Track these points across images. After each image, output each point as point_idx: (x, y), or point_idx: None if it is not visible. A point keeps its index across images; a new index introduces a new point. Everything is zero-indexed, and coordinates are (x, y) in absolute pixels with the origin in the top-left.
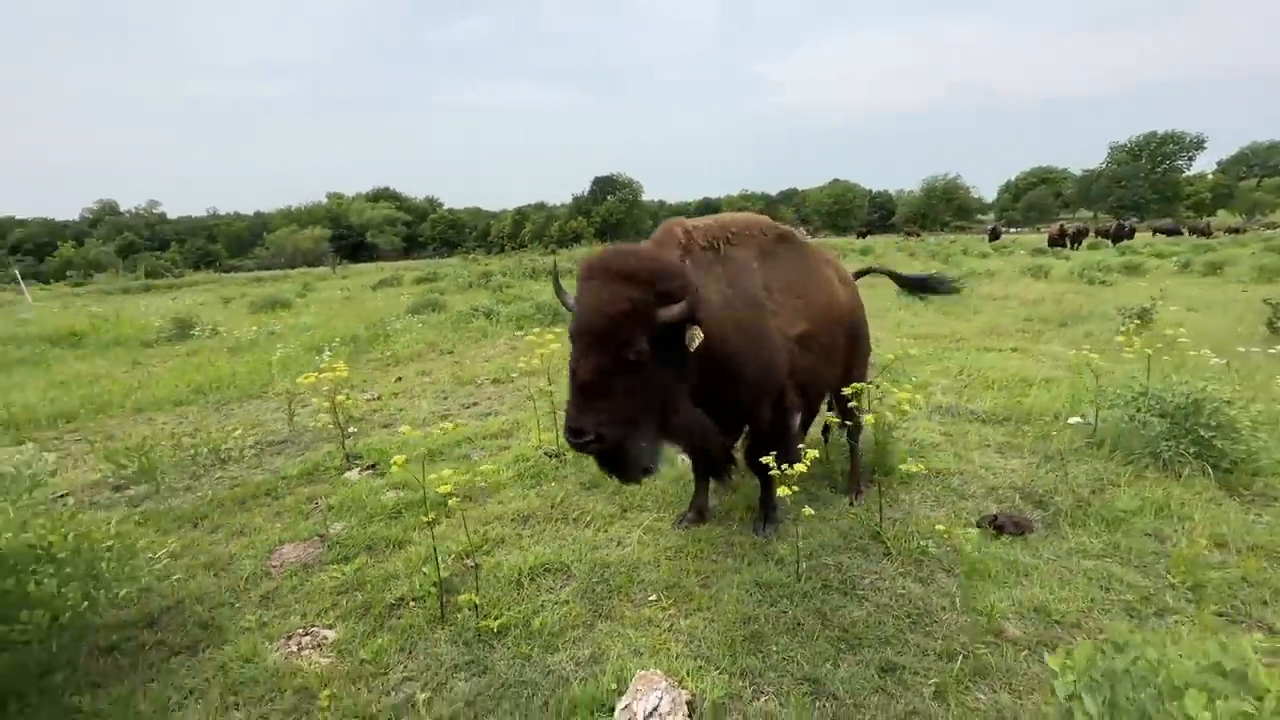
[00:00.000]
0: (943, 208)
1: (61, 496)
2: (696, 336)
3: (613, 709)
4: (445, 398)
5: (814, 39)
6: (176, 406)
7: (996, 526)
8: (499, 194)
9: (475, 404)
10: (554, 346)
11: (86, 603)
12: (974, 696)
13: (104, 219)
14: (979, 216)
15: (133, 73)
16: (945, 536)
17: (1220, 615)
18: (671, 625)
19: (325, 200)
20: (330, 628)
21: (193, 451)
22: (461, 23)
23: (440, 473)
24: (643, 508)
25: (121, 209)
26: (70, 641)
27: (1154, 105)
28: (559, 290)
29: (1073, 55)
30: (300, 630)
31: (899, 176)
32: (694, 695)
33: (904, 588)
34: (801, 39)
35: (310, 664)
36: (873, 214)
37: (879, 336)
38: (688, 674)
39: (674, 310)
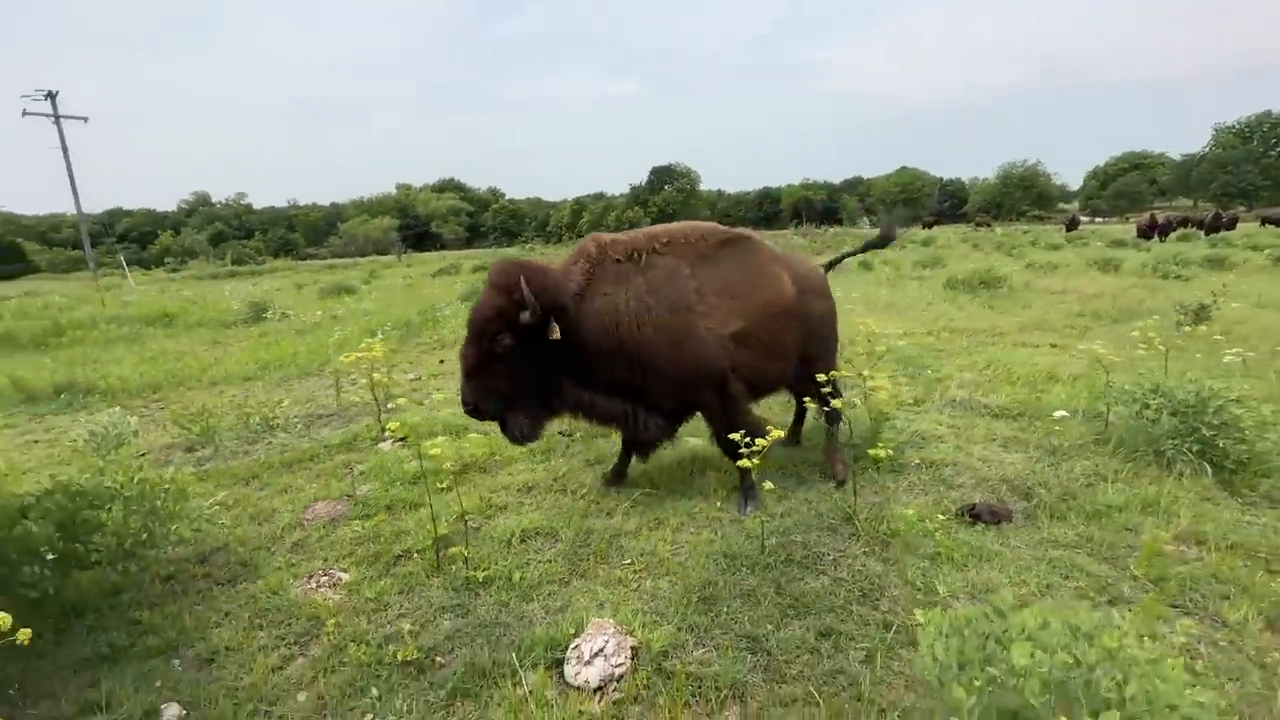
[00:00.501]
0: (1020, 196)
1: (142, 455)
2: (553, 332)
3: (567, 647)
4: None
5: (883, 19)
6: (244, 381)
7: (973, 515)
8: (560, 184)
9: None
10: None
11: (146, 534)
12: (900, 661)
13: (198, 209)
14: (1061, 205)
15: (223, 72)
16: (914, 521)
17: (1175, 606)
18: (638, 586)
19: (394, 191)
20: (345, 571)
21: (246, 420)
22: (525, 17)
23: (436, 441)
24: (637, 484)
25: (213, 200)
26: (137, 570)
27: (1271, 84)
28: None
29: (1178, 30)
30: (320, 571)
31: (975, 163)
32: (640, 642)
33: (864, 565)
34: (869, 20)
35: (324, 599)
36: (943, 202)
37: (911, 329)
38: (640, 625)
39: (526, 315)
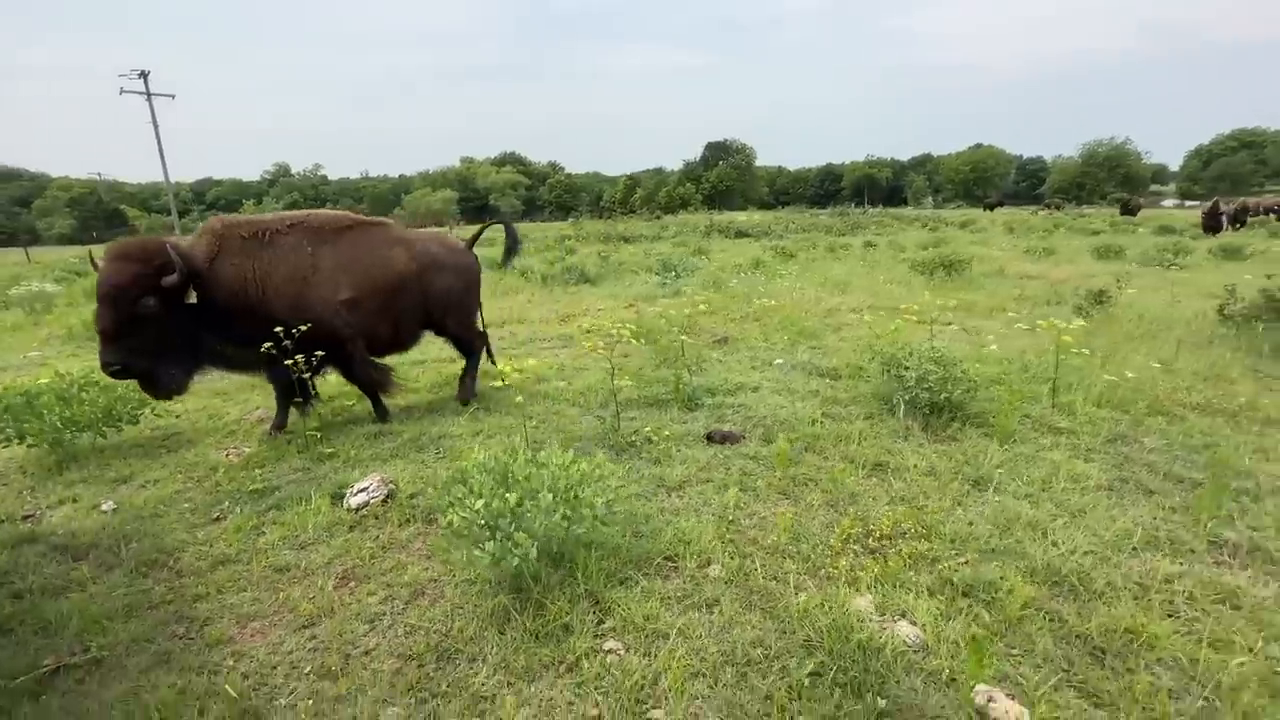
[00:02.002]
0: (1104, 177)
1: None
2: (190, 295)
3: (350, 488)
4: None
5: None
6: None
7: (709, 437)
8: (620, 158)
9: None
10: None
11: (112, 410)
12: None
13: (279, 180)
14: (1156, 187)
15: (304, 49)
16: (650, 434)
17: (782, 493)
18: (431, 466)
19: (459, 164)
20: (248, 447)
21: None
22: None
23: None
24: (486, 410)
25: (293, 171)
26: (117, 438)
27: None
28: (96, 267)
29: None
30: (233, 446)
31: (1064, 140)
32: (396, 487)
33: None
34: None
35: (226, 460)
36: (1020, 183)
37: (840, 305)
38: (405, 481)
39: (172, 278)
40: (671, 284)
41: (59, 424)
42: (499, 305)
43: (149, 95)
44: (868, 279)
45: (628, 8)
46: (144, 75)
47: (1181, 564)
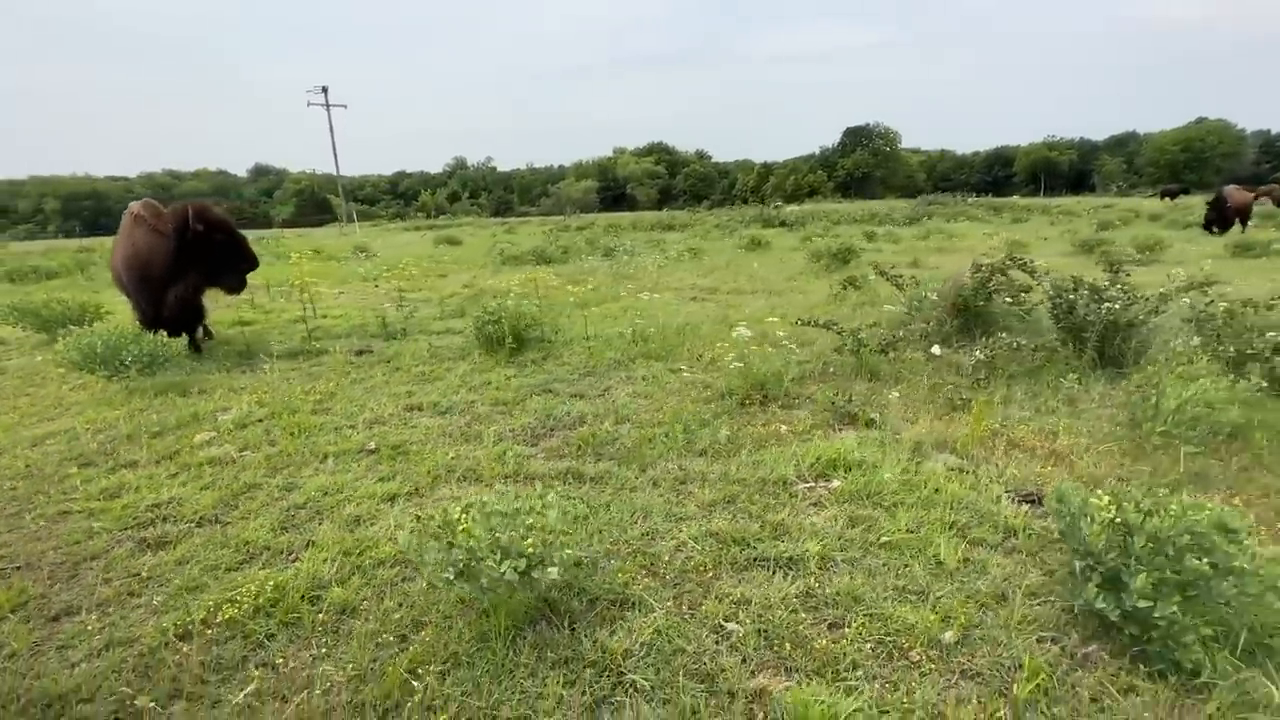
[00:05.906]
0: None
1: None
2: None
3: None
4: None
5: None
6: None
7: (357, 351)
8: (774, 143)
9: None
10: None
11: (66, 313)
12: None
13: (457, 172)
14: None
15: (490, 48)
16: (322, 348)
17: (321, 378)
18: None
19: (611, 154)
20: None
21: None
22: None
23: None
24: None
25: (468, 164)
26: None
27: None
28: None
29: None
30: None
31: None
32: None
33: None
34: None
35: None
36: (1262, 164)
37: (692, 283)
38: None
39: None
40: (598, 265)
41: (43, 317)
42: (447, 281)
43: (328, 106)
44: (748, 268)
45: None
46: (325, 90)
47: (460, 418)
